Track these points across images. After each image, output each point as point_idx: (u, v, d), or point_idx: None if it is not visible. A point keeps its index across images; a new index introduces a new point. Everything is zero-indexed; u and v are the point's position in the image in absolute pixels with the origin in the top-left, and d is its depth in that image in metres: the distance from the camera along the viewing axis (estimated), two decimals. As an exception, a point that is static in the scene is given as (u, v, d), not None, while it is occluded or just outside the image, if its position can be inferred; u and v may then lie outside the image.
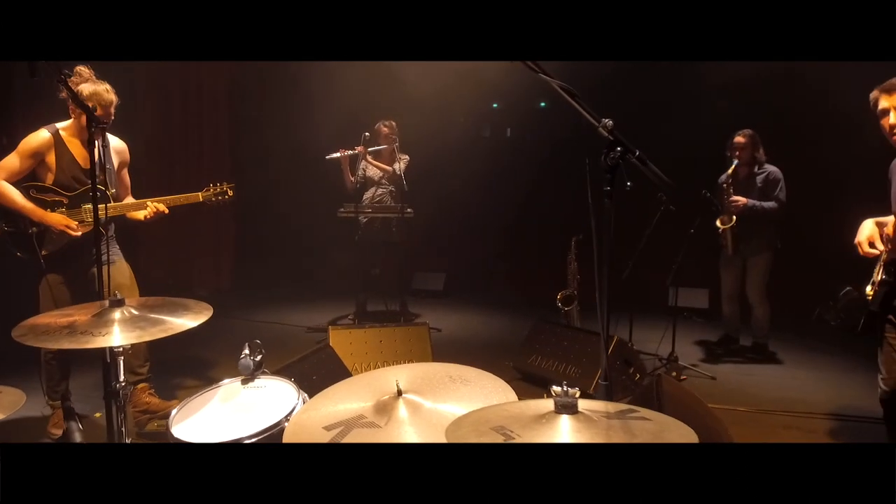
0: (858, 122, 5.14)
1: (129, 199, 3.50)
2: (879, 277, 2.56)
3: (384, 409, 1.65)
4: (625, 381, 4.11)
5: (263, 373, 2.11)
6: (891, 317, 2.60)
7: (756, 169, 4.63)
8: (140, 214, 3.35)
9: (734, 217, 4.57)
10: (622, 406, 1.29)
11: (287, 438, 1.63)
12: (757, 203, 4.54)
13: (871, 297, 2.74)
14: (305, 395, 1.97)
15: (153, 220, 3.34)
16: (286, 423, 1.84)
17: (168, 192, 3.57)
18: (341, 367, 3.92)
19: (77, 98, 2.37)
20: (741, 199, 4.54)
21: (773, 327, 4.94)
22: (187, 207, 3.56)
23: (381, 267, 5.84)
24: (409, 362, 4.30)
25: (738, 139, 4.60)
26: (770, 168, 4.61)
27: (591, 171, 1.31)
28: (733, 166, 4.56)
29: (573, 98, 1.39)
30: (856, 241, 2.65)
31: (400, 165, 5.37)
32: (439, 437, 1.54)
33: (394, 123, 5.58)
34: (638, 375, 4.22)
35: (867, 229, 2.64)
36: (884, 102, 2.39)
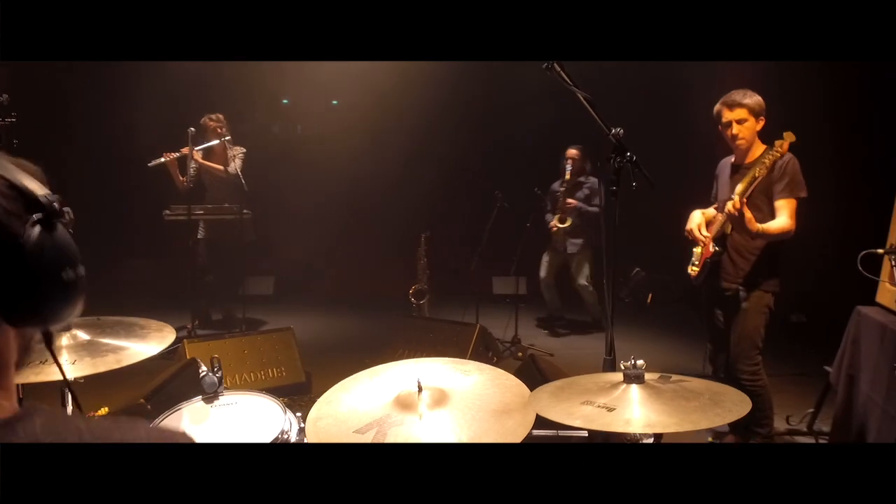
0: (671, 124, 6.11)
1: None
2: (711, 250, 3.15)
3: (410, 405, 1.68)
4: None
5: (226, 388, 1.95)
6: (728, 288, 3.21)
7: (583, 178, 5.35)
8: None
9: (569, 220, 5.25)
10: (661, 374, 1.52)
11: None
12: (585, 206, 5.25)
13: (694, 275, 3.37)
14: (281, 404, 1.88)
15: None
16: (286, 437, 1.75)
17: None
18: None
19: None
20: (573, 202, 5.21)
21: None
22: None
23: (215, 273, 5.44)
24: (277, 369, 4.14)
25: (571, 152, 5.29)
26: (593, 179, 5.38)
27: (601, 176, 1.50)
28: (568, 173, 5.21)
29: (592, 107, 1.57)
30: (687, 227, 3.25)
31: (235, 163, 5.06)
32: (482, 422, 1.63)
33: (221, 116, 5.23)
34: (495, 359, 4.61)
35: (697, 218, 3.26)
36: (727, 116, 3.00)
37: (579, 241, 5.40)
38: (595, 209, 5.29)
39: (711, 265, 3.16)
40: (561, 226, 5.27)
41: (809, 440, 3.48)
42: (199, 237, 5.24)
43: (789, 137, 2.84)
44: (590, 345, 5.45)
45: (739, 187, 2.91)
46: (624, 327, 5.92)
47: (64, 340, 1.61)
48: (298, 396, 3.90)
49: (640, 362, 1.42)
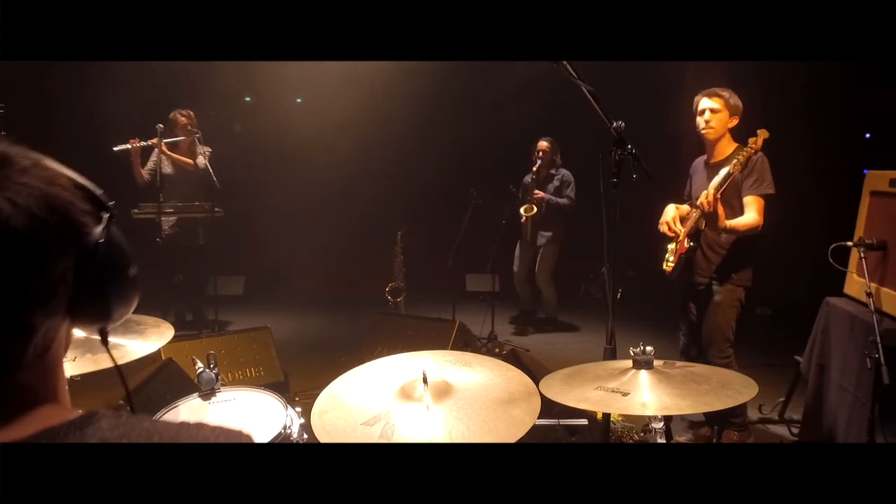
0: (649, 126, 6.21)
1: None
2: (686, 245, 3.24)
3: (415, 397, 1.67)
4: (463, 362, 4.48)
5: (223, 385, 1.92)
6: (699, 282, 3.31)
7: (553, 171, 5.40)
8: None
9: (535, 208, 5.29)
10: (665, 361, 1.56)
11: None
12: (553, 198, 5.31)
13: (669, 271, 3.45)
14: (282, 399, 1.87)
15: None
16: (289, 433, 1.73)
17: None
18: (188, 381, 3.57)
19: None
20: (540, 193, 5.27)
21: (561, 301, 5.81)
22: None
23: (184, 273, 5.32)
24: (255, 369, 4.08)
25: (542, 143, 5.33)
26: (564, 171, 5.42)
27: (603, 167, 1.54)
28: (537, 165, 5.26)
29: (596, 100, 1.60)
30: (661, 221, 3.33)
31: (204, 158, 4.97)
32: (490, 411, 1.64)
33: (192, 112, 5.14)
34: (473, 355, 4.63)
35: (671, 212, 3.34)
36: (703, 104, 3.11)
37: (548, 233, 5.46)
38: (565, 201, 5.35)
39: (686, 260, 3.25)
40: (527, 215, 5.32)
41: (782, 428, 3.61)
42: (164, 236, 5.11)
43: (763, 134, 2.95)
44: (563, 340, 5.53)
45: (714, 183, 3.00)
46: (596, 323, 6.03)
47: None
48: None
49: (648, 348, 1.46)
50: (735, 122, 3.13)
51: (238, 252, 6.64)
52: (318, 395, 1.71)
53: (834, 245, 2.87)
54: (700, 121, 3.14)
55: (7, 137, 0.69)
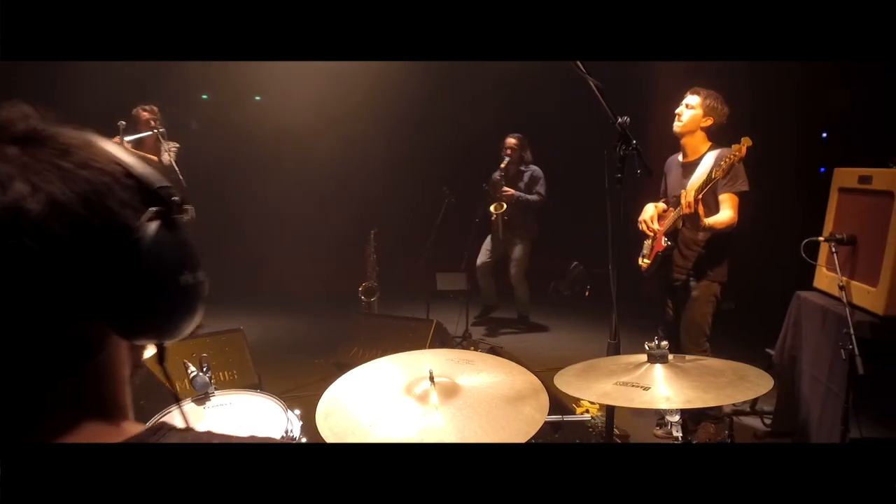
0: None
1: None
2: (664, 244, 3.30)
3: (422, 396, 1.65)
4: (440, 361, 4.46)
5: (217, 389, 1.85)
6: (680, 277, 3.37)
7: (522, 167, 5.42)
8: None
9: (504, 205, 5.31)
10: (674, 355, 1.57)
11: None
12: (522, 195, 5.33)
13: (644, 268, 3.51)
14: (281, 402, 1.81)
15: None
16: (291, 436, 1.68)
17: None
18: (160, 385, 3.44)
19: None
20: (510, 190, 5.29)
21: (531, 301, 5.85)
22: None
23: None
24: (229, 372, 3.97)
25: (510, 140, 5.35)
26: (533, 167, 5.45)
27: (608, 164, 1.54)
28: (505, 162, 5.28)
29: (601, 95, 1.60)
30: (640, 219, 3.38)
31: (170, 155, 4.80)
32: (500, 409, 1.62)
33: (155, 108, 4.96)
34: (450, 353, 4.61)
35: (650, 211, 3.40)
36: (685, 98, 3.19)
37: (518, 230, 5.48)
38: (535, 197, 5.37)
39: (662, 258, 3.31)
40: (496, 212, 5.34)
41: (754, 419, 3.71)
42: None
43: (746, 142, 2.99)
44: (533, 339, 5.57)
45: (695, 185, 3.05)
46: (566, 321, 6.10)
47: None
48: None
49: (663, 343, 1.47)
50: (709, 122, 3.20)
51: (200, 252, 6.43)
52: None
53: (806, 240, 2.96)
54: (675, 112, 3.23)
55: (62, 119, 0.61)
